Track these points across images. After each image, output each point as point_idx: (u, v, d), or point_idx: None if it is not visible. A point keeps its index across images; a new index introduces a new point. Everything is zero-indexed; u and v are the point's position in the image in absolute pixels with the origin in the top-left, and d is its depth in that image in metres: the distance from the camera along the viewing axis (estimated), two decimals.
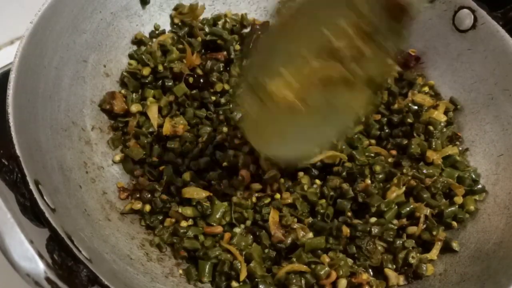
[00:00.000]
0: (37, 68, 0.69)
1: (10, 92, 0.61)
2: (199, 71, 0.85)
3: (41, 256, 0.46)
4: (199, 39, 0.87)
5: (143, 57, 0.85)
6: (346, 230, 0.72)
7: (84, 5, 0.78)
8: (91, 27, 0.81)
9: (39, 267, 0.46)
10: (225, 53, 0.88)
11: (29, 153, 0.60)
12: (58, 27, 0.73)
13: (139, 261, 0.68)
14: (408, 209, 0.75)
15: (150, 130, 0.81)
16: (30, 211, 0.54)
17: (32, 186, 0.55)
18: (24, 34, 0.67)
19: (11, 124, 0.59)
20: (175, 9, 0.93)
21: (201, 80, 0.84)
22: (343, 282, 0.69)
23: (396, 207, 0.75)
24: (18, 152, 0.57)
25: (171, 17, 0.93)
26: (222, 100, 0.85)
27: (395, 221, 0.75)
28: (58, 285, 0.48)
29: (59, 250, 0.51)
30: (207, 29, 0.90)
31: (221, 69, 0.87)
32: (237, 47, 0.88)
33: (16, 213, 0.49)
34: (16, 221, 0.47)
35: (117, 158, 0.80)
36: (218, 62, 0.87)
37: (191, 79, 0.84)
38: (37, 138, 0.65)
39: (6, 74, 0.65)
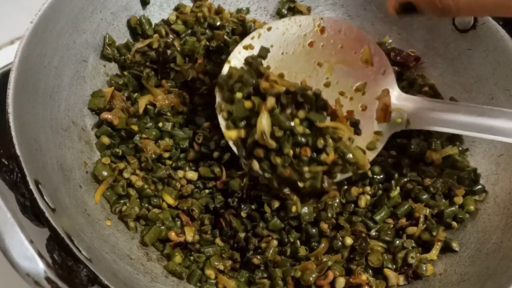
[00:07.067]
0: (37, 68, 0.69)
1: (10, 92, 0.61)
2: (201, 76, 0.85)
3: (41, 256, 0.46)
4: (203, 43, 0.86)
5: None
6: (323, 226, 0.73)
7: (84, 5, 0.78)
8: (91, 27, 0.81)
9: (39, 266, 0.46)
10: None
11: (29, 153, 0.60)
12: (58, 27, 0.73)
13: (139, 261, 0.68)
14: (403, 209, 0.75)
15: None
16: (30, 211, 0.54)
17: (32, 186, 0.54)
18: (24, 34, 0.67)
19: (11, 124, 0.59)
20: (176, 9, 0.93)
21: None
22: (341, 281, 0.69)
23: (387, 208, 0.76)
24: (18, 151, 0.57)
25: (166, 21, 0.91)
26: None
27: (389, 220, 0.75)
28: (58, 284, 0.48)
29: (59, 250, 0.51)
30: (208, 32, 0.89)
31: None
32: None
33: (16, 213, 0.49)
34: (16, 221, 0.47)
35: None
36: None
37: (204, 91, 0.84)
38: (37, 138, 0.65)
39: (6, 74, 0.65)
